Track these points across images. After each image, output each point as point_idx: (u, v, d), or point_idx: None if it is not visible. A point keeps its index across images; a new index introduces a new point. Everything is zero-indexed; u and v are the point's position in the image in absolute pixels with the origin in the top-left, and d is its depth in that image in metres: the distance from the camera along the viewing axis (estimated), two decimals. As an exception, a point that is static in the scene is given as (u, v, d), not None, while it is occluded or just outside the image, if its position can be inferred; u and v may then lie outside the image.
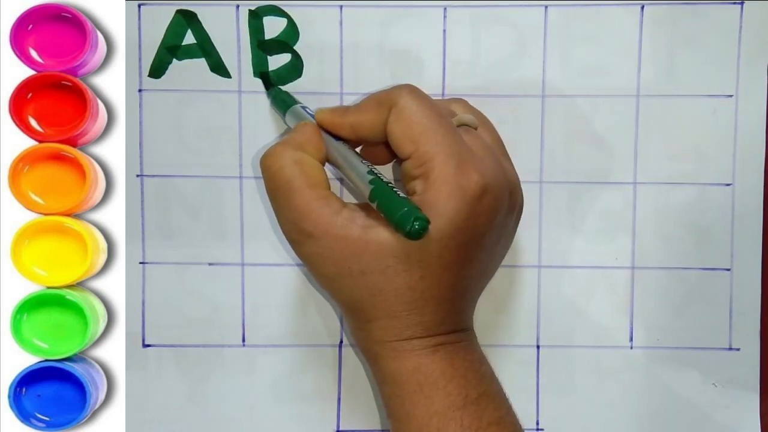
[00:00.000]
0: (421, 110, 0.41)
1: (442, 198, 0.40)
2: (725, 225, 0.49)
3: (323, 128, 0.44)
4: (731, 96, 0.49)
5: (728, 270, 0.49)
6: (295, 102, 0.47)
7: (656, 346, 0.50)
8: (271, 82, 0.48)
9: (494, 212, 0.41)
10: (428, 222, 0.39)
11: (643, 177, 0.49)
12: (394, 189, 0.40)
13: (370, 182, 0.41)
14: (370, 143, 0.45)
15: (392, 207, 0.39)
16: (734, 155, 0.49)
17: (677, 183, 0.49)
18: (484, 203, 0.40)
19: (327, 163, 0.44)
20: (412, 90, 0.42)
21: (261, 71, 0.48)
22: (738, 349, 0.49)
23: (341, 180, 0.49)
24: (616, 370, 0.50)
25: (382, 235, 0.40)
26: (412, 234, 0.38)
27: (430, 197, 0.40)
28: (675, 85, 0.49)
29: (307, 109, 0.46)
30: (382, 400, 0.44)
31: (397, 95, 0.42)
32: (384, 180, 0.41)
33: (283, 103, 0.47)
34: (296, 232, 0.42)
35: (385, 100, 0.42)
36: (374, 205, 0.40)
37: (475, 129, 0.44)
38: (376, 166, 0.42)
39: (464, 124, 0.43)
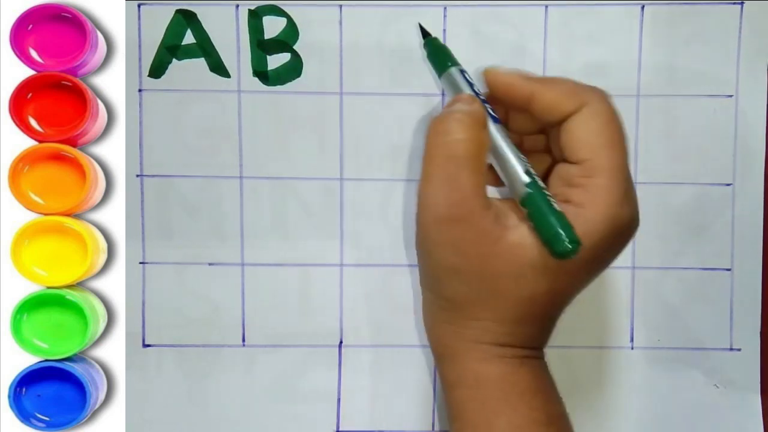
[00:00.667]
0: (611, 123, 0.39)
1: (598, 221, 0.38)
2: (725, 225, 0.49)
3: (490, 87, 0.41)
4: (731, 96, 0.49)
5: (729, 270, 0.49)
6: (455, 62, 0.43)
7: (657, 347, 0.50)
8: (427, 32, 0.46)
9: (623, 247, 0.41)
10: (580, 246, 0.37)
11: (643, 177, 0.49)
12: (550, 198, 0.39)
13: (527, 185, 0.39)
14: (525, 114, 0.42)
15: (547, 221, 0.38)
16: (734, 155, 0.49)
17: (677, 183, 0.49)
18: (623, 238, 0.40)
19: None
20: (609, 98, 0.40)
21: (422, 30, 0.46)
22: (739, 350, 0.49)
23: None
24: (617, 371, 0.50)
25: (526, 239, 0.39)
26: (562, 255, 0.37)
27: (586, 215, 0.38)
28: (675, 85, 0.49)
29: (466, 74, 0.43)
30: (450, 402, 0.42)
31: (594, 96, 0.40)
32: (540, 185, 0.39)
33: (441, 62, 0.44)
34: (447, 212, 0.39)
35: (578, 93, 0.40)
36: (525, 210, 0.39)
37: None
38: (530, 163, 0.40)
39: None
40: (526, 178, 0.39)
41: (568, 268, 0.39)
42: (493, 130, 0.41)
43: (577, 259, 0.38)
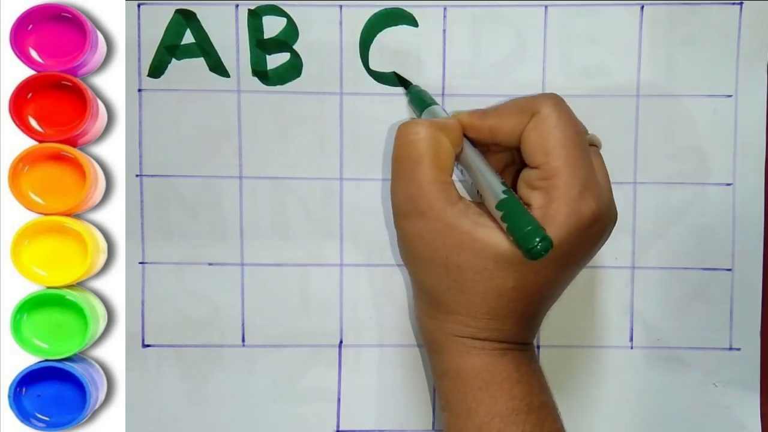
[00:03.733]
0: (560, 124, 0.41)
1: (558, 219, 0.40)
2: (725, 225, 0.49)
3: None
4: (731, 96, 0.49)
5: (729, 270, 0.49)
6: (434, 102, 0.46)
7: (656, 346, 0.50)
8: (407, 81, 0.48)
9: (597, 241, 0.42)
10: (551, 244, 0.39)
11: (643, 177, 0.49)
12: (523, 206, 0.40)
13: (504, 192, 0.41)
14: (499, 149, 0.45)
15: (521, 221, 0.39)
16: (734, 155, 0.49)
17: (677, 183, 0.49)
18: (591, 231, 0.41)
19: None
20: (557, 101, 0.42)
21: (395, 73, 0.49)
22: (738, 349, 0.49)
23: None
24: (617, 371, 0.50)
25: (491, 236, 0.40)
26: (533, 252, 0.39)
27: (547, 213, 0.40)
28: (675, 85, 0.49)
29: (444, 111, 0.46)
30: (438, 392, 0.44)
31: (541, 104, 0.42)
32: (515, 196, 0.41)
33: (421, 102, 0.47)
34: (409, 206, 0.42)
35: (527, 107, 0.42)
36: (499, 214, 0.40)
37: (599, 148, 0.45)
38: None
39: (593, 144, 0.44)
40: (502, 187, 0.41)
41: (533, 265, 0.40)
42: (469, 148, 0.43)
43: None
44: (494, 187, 0.41)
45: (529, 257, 0.39)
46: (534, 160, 0.41)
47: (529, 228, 0.39)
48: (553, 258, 0.40)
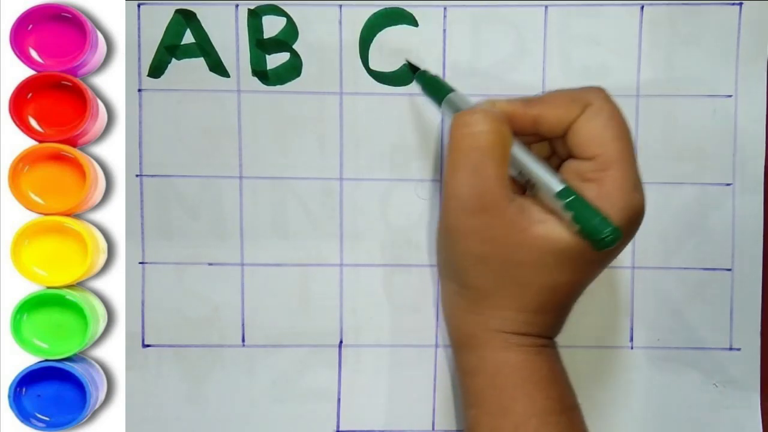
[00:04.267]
0: (615, 116, 0.41)
1: (615, 212, 0.39)
2: (725, 225, 0.49)
3: None
4: (731, 96, 0.49)
5: (729, 270, 0.49)
6: (453, 88, 0.45)
7: (657, 347, 0.50)
8: (415, 66, 0.47)
9: (632, 236, 0.42)
10: (621, 235, 0.39)
11: (643, 177, 0.49)
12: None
13: (562, 181, 0.40)
14: (534, 140, 0.44)
15: (587, 213, 0.39)
16: (734, 155, 0.49)
17: (677, 183, 0.49)
18: (634, 227, 0.41)
19: None
20: (608, 95, 0.42)
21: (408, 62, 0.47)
22: (739, 349, 0.49)
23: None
24: (617, 371, 0.50)
25: (551, 231, 0.40)
26: (604, 243, 0.39)
27: (602, 206, 0.40)
28: (675, 85, 0.49)
29: (467, 98, 0.44)
30: (467, 390, 0.43)
31: (594, 96, 0.41)
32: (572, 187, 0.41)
33: (437, 90, 0.45)
34: (471, 200, 0.41)
35: (579, 98, 0.41)
36: (559, 204, 0.40)
37: None
38: None
39: None
40: (559, 176, 0.41)
41: (588, 257, 0.40)
42: (516, 143, 0.42)
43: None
44: (550, 178, 0.41)
45: (598, 248, 0.39)
46: (587, 151, 0.41)
47: (598, 219, 0.39)
48: (607, 251, 0.40)
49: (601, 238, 0.39)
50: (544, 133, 0.42)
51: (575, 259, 0.40)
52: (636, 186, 0.40)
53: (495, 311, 0.42)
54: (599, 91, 0.41)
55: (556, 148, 0.44)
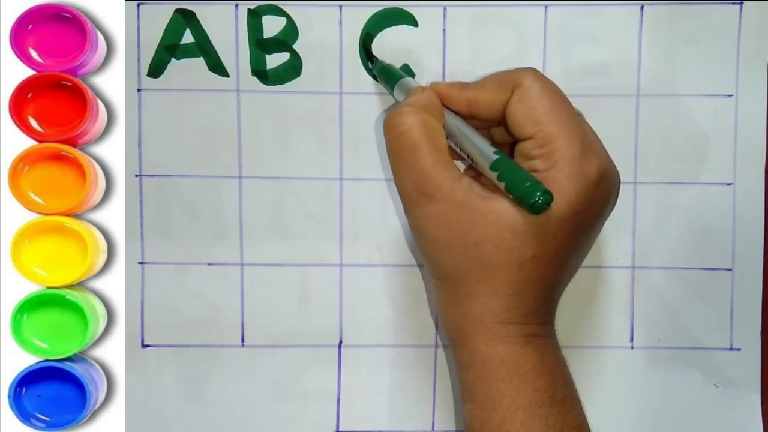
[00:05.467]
0: (546, 91, 0.41)
1: (564, 178, 0.40)
2: (726, 225, 0.49)
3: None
4: (731, 96, 0.49)
5: (729, 270, 0.49)
6: (403, 75, 0.46)
7: (657, 347, 0.50)
8: (373, 56, 0.48)
9: (606, 201, 0.42)
10: (552, 196, 0.38)
11: (643, 177, 0.49)
12: (518, 164, 0.40)
13: (495, 152, 0.40)
14: (478, 125, 0.44)
15: (517, 179, 0.39)
16: (734, 155, 0.49)
17: (677, 183, 0.49)
18: (600, 189, 0.41)
19: None
20: (537, 72, 0.42)
21: (364, 43, 0.48)
22: (739, 350, 0.49)
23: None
24: (617, 371, 0.50)
25: (501, 205, 0.40)
26: (536, 207, 0.38)
27: (552, 176, 0.40)
28: (675, 85, 0.49)
29: (415, 82, 0.46)
30: (462, 384, 0.43)
31: (522, 76, 0.42)
32: (507, 156, 0.41)
33: (390, 77, 0.46)
34: (417, 193, 0.42)
35: (508, 81, 0.42)
36: (494, 176, 0.40)
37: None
38: None
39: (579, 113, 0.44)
40: (493, 148, 0.41)
41: (549, 229, 0.40)
42: (451, 116, 0.43)
43: (557, 219, 0.40)
44: (485, 149, 0.41)
45: (532, 212, 0.39)
46: (525, 131, 0.41)
47: (528, 184, 0.38)
48: (567, 217, 0.40)
49: (533, 203, 0.38)
50: (480, 117, 0.43)
51: (533, 231, 0.40)
52: (584, 152, 0.40)
53: (471, 299, 0.42)
54: (528, 71, 0.42)
55: (495, 137, 0.45)
